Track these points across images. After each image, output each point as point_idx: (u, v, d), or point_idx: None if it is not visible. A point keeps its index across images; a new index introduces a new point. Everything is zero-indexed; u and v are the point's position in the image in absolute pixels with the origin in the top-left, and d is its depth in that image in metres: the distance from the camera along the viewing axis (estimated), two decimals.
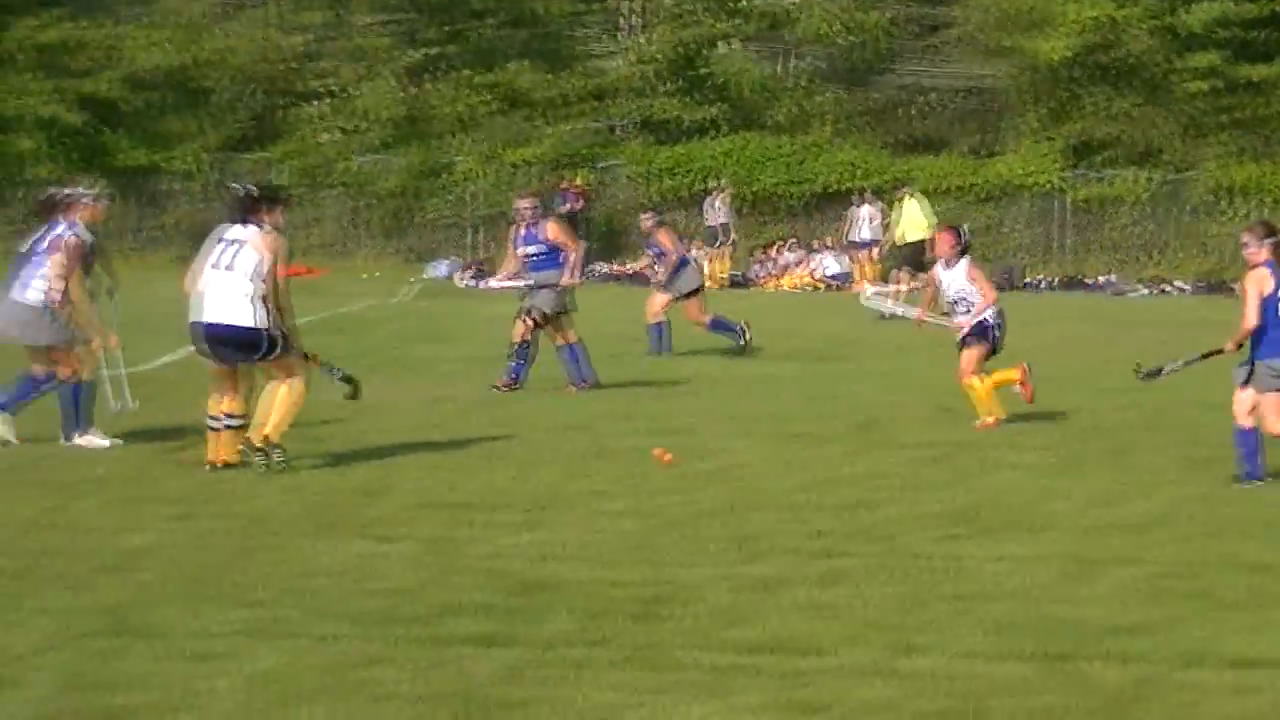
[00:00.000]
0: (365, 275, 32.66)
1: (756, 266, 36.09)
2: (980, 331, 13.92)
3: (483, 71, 39.12)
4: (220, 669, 6.15)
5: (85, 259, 11.62)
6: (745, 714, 5.80)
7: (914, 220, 30.86)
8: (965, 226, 15.77)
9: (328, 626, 6.80)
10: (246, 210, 10.91)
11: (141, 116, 36.68)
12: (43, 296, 11.54)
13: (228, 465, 10.61)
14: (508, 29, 40.60)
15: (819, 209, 38.40)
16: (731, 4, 41.92)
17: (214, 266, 10.64)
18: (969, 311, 14.11)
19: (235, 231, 10.73)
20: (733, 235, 34.16)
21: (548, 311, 15.86)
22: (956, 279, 14.27)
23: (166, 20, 37.85)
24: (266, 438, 10.54)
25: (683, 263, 19.83)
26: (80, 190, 12.08)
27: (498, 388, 15.43)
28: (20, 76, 34.93)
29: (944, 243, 14.64)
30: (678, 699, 5.90)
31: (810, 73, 43.12)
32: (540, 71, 39.54)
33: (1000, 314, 14.19)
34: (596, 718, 5.72)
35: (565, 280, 16.06)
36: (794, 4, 42.29)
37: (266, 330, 10.41)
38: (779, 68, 43.45)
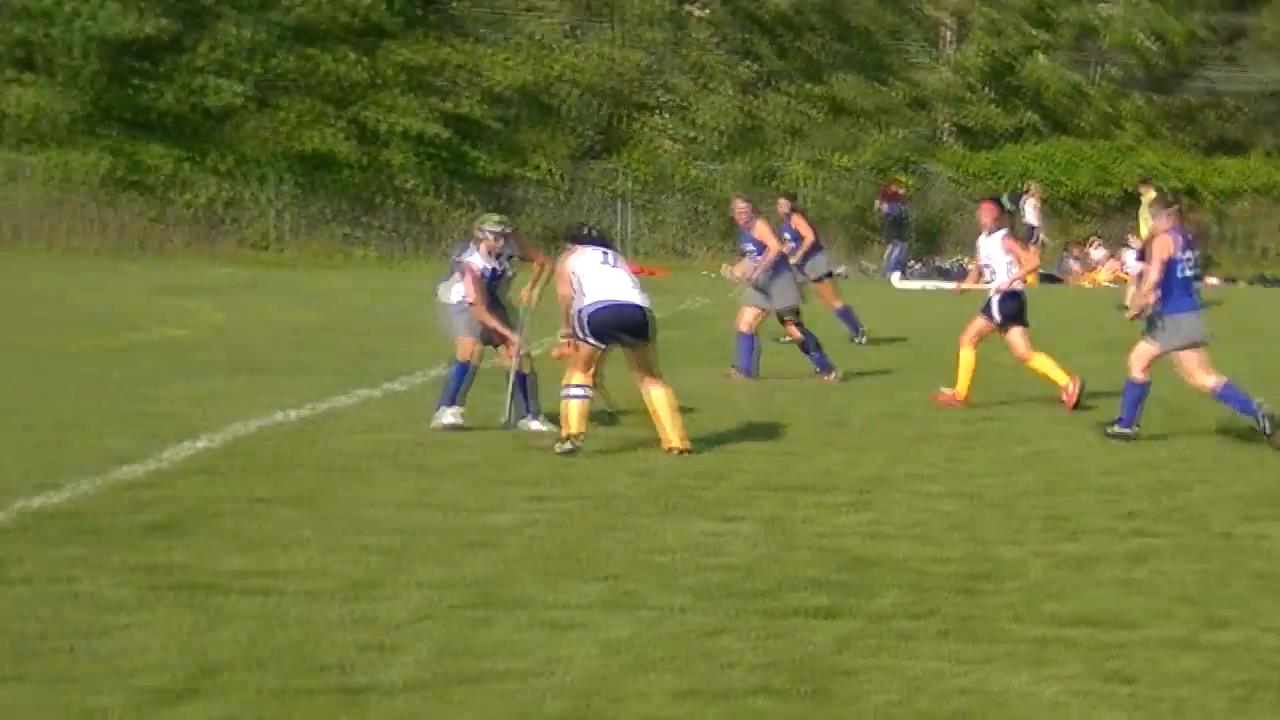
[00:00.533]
0: (704, 273, 33.36)
1: (1071, 262, 37.30)
2: (999, 303, 14.52)
3: (811, 84, 41.97)
4: (577, 638, 6.59)
5: (485, 282, 12.67)
6: (1062, 683, 6.05)
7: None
8: (1004, 198, 17.01)
9: (675, 599, 7.22)
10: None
11: (499, 130, 38.14)
12: (456, 300, 12.87)
13: (582, 436, 11.25)
14: (834, 44, 43.55)
15: (1125, 209, 38.96)
16: (1043, 16, 45.05)
17: (603, 264, 11.74)
18: (993, 279, 14.74)
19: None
20: (1041, 236, 34.69)
21: (796, 304, 16.88)
22: (991, 247, 14.96)
23: (520, 41, 39.62)
24: (683, 439, 11.37)
25: (816, 248, 20.07)
26: (485, 226, 12.93)
27: (826, 379, 16.08)
28: (391, 94, 36.47)
29: (986, 214, 15.45)
30: (999, 669, 6.21)
31: (1117, 79, 46.07)
32: (864, 83, 42.47)
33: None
34: (923, 685, 6.00)
35: (738, 273, 17.95)
36: (1103, 15, 45.52)
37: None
38: (1088, 75, 45.83)
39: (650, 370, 11.47)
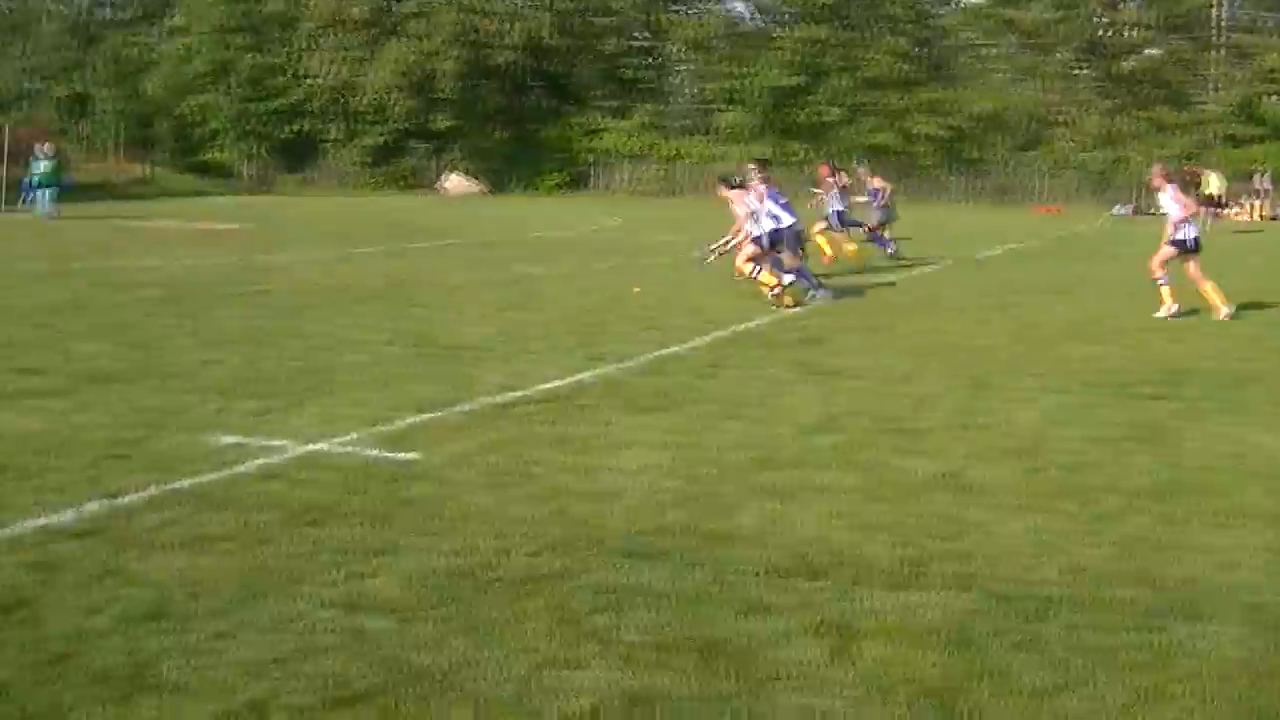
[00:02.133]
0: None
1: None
2: (1179, 239, 21.39)
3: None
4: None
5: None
6: None
7: None
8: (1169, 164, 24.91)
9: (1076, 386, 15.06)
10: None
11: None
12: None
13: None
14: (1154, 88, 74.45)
15: None
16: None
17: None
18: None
19: None
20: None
21: None
22: (1165, 200, 21.70)
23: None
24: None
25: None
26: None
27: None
28: None
29: (1156, 176, 22.16)
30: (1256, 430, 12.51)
31: None
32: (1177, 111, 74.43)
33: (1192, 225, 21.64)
34: (1212, 443, 11.78)
35: None
36: None
37: None
38: None
39: None
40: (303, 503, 9.39)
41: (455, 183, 77.96)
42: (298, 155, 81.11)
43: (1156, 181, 21.95)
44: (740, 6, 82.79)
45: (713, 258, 24.42)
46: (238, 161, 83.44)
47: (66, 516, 8.97)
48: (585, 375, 14.91)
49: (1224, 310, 20.70)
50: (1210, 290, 21.12)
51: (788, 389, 14.43)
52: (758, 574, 8.12)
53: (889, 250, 31.83)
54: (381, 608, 7.41)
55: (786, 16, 78.72)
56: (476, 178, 77.58)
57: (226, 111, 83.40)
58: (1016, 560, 8.47)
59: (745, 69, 75.56)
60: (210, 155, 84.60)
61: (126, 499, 9.40)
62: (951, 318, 20.80)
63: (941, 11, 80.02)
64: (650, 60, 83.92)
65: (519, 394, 13.68)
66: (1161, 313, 20.93)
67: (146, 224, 43.67)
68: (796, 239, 22.55)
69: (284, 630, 7.05)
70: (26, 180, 49.41)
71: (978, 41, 79.07)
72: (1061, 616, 7.42)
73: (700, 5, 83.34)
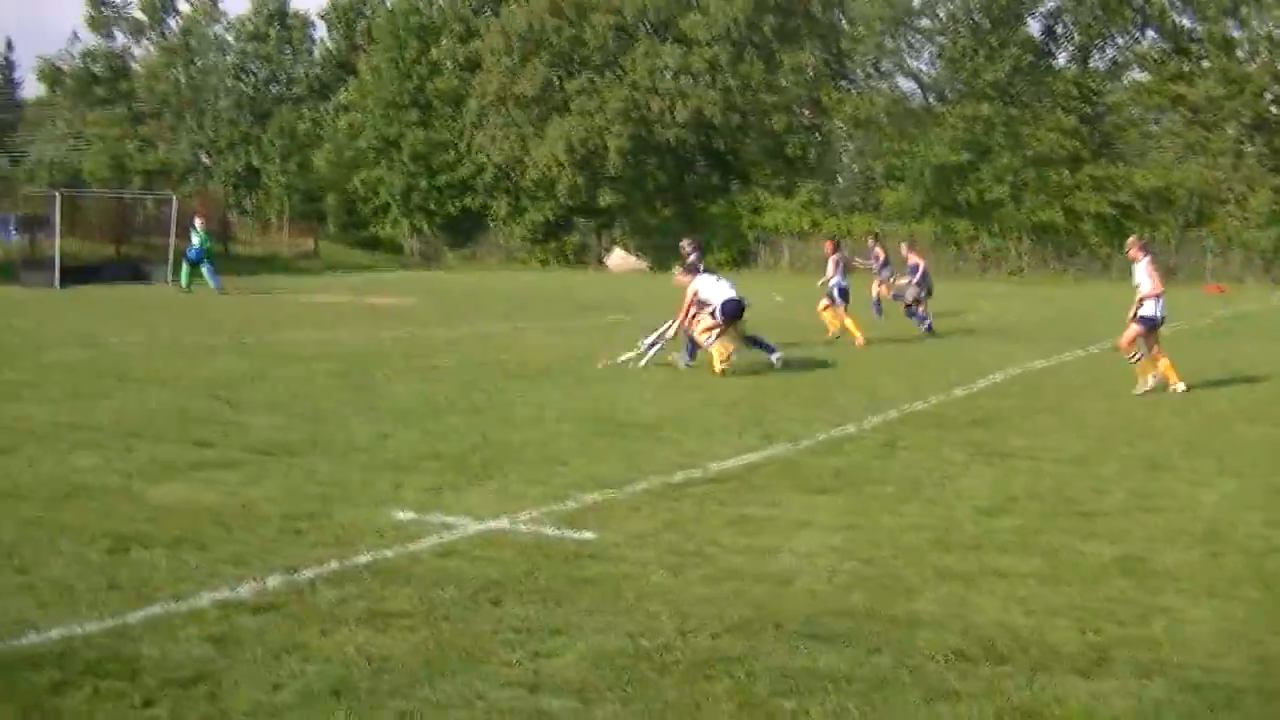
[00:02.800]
0: None
1: None
2: (1147, 316, 20.93)
3: None
4: None
5: None
6: None
7: None
8: (1144, 238, 23.00)
9: None
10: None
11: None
12: None
13: None
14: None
15: None
16: None
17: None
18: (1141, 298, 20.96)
19: None
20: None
21: None
22: (1138, 273, 21.19)
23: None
24: None
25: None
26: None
27: None
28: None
29: (1131, 247, 21.53)
30: None
31: None
32: None
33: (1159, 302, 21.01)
34: None
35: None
36: None
37: None
38: None
39: None
40: (482, 580, 9.41)
41: (620, 259, 78.41)
42: (464, 230, 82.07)
43: (1133, 253, 21.40)
44: (906, 83, 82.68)
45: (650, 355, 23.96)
46: (405, 236, 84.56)
47: (245, 590, 9.05)
48: (759, 454, 14.85)
49: (1140, 390, 20.70)
50: (1166, 367, 21.09)
51: (962, 470, 14.29)
52: (941, 659, 8.01)
53: (924, 326, 32.04)
54: (563, 688, 7.39)
55: (952, 94, 78.43)
56: (641, 254, 77.92)
57: (394, 186, 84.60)
58: (1202, 648, 8.28)
59: (910, 146, 75.45)
60: (378, 230, 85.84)
61: (306, 573, 9.49)
62: (1123, 398, 20.43)
63: (1109, 87, 79.25)
64: (815, 137, 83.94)
65: (694, 473, 13.63)
66: (1139, 389, 20.84)
67: (316, 298, 44.32)
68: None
69: (466, 709, 7.05)
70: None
71: (1144, 118, 78.19)
72: (1250, 708, 7.25)
73: (865, 82, 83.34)
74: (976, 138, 73.15)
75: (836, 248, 30.83)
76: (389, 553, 10.13)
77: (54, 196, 57.77)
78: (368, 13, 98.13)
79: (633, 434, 16.15)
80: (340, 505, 11.75)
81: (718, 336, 22.56)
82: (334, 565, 9.72)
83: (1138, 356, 20.94)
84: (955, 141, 73.05)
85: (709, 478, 13.47)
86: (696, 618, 8.67)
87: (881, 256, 35.02)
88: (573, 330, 31.17)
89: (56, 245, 53.54)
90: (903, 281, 33.36)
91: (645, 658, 7.93)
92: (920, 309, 32.51)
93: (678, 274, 24.49)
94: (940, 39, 77.96)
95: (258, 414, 17.17)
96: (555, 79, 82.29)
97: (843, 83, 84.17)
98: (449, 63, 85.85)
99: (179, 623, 8.42)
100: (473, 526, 11.05)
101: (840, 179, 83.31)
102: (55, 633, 8.20)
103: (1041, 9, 77.58)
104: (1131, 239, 21.93)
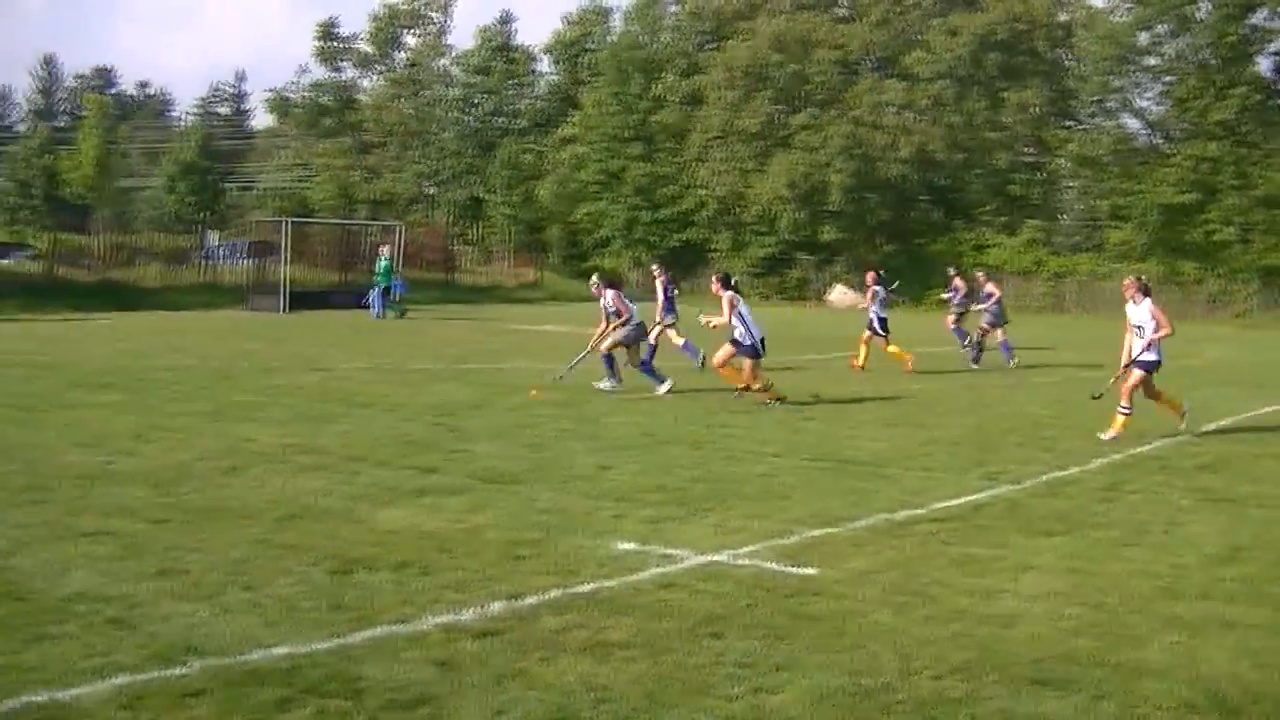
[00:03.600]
0: None
1: None
2: (1147, 360, 19.72)
3: None
4: None
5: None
6: None
7: None
8: (1144, 276, 20.75)
9: None
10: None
11: None
12: None
13: None
14: None
15: None
16: None
17: None
18: (1142, 338, 19.65)
19: None
20: None
21: None
22: (1140, 313, 19.75)
23: None
24: None
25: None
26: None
27: None
28: None
29: (1128, 288, 20.05)
30: None
31: None
32: None
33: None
34: None
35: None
36: None
37: None
38: None
39: None
40: (702, 613, 9.40)
41: (841, 295, 78.11)
42: (685, 264, 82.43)
43: (1130, 293, 20.02)
44: (1132, 122, 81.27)
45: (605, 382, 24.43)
46: (626, 268, 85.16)
47: (468, 615, 9.14)
48: (982, 495, 14.63)
49: (1108, 435, 19.33)
50: (1120, 424, 19.54)
51: (1190, 516, 13.87)
52: (1169, 709, 7.82)
53: (1009, 360, 32.29)
54: None
55: (1179, 133, 76.96)
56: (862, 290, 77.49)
57: (617, 219, 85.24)
58: None
59: (1136, 185, 74.14)
60: (599, 262, 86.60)
61: (528, 601, 9.57)
62: None
63: None
64: (1039, 175, 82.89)
65: (916, 511, 13.49)
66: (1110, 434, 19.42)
67: (538, 328, 44.76)
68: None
69: None
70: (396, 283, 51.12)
71: None
72: None
73: (1091, 121, 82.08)
74: (1204, 178, 71.63)
75: (878, 279, 30.86)
76: (610, 583, 10.18)
77: (283, 224, 59.17)
78: (591, 46, 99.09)
79: (854, 470, 16.03)
80: (562, 534, 11.84)
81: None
82: (556, 593, 9.79)
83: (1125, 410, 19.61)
84: (1182, 182, 71.61)
85: (932, 516, 13.32)
86: (919, 658, 8.57)
87: (961, 289, 34.92)
88: (795, 366, 31.05)
89: (284, 271, 54.84)
90: (979, 307, 33.61)
91: (867, 697, 7.85)
92: (992, 337, 32.84)
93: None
94: (1167, 78, 76.49)
95: (480, 441, 17.40)
96: (778, 114, 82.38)
97: (1067, 121, 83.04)
98: (672, 97, 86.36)
99: (402, 645, 8.54)
100: (693, 559, 11.06)
101: (1064, 218, 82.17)
102: (281, 650, 8.37)
103: (1271, 47, 75.82)
104: (1128, 280, 20.80)
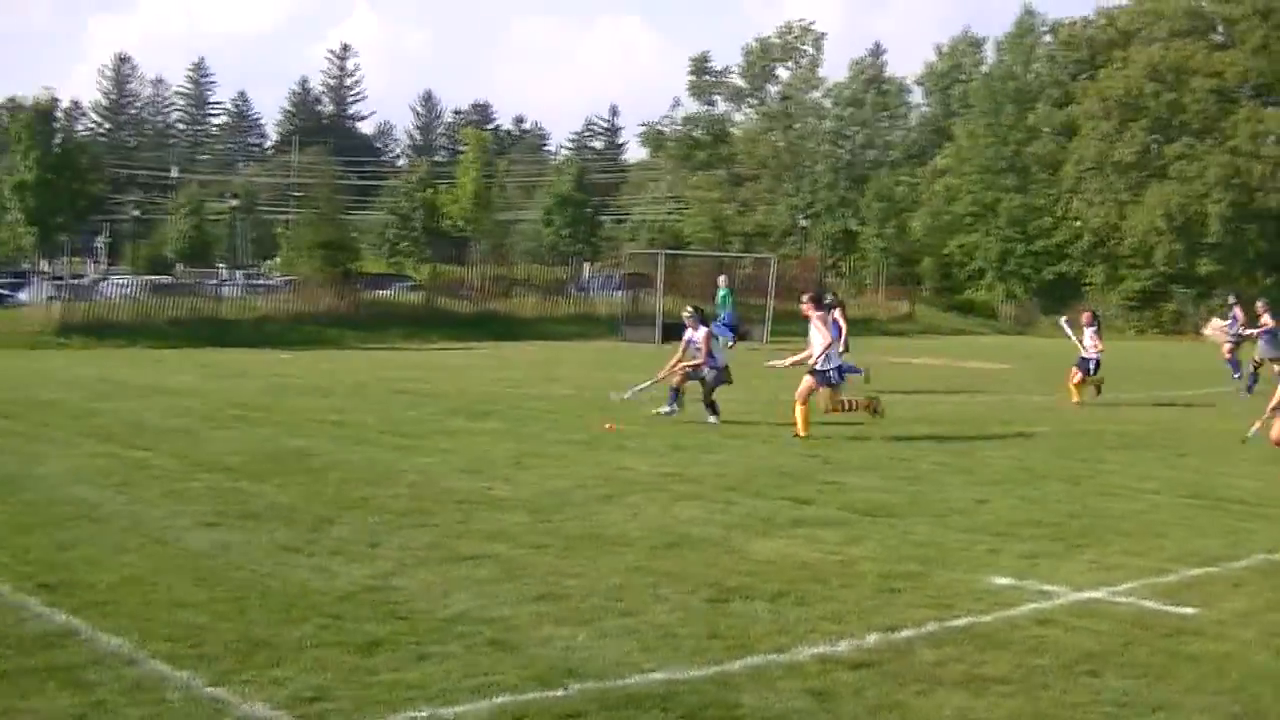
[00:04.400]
0: None
1: None
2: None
3: None
4: None
5: None
6: None
7: None
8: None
9: None
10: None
11: None
12: None
13: None
14: None
15: None
16: None
17: None
18: None
19: None
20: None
21: None
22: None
23: None
24: None
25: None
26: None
27: None
28: None
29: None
30: None
31: None
32: None
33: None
34: None
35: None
36: None
37: None
38: None
39: None
40: (1078, 650, 9.21)
41: (1217, 328, 75.92)
42: (1058, 297, 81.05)
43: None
44: None
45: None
46: (999, 301, 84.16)
47: (844, 646, 9.14)
48: None
49: None
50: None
51: None
52: None
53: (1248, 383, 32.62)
54: None
55: None
56: None
57: (990, 251, 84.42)
58: None
59: None
60: (972, 294, 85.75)
61: (904, 633, 9.52)
62: None
63: None
64: None
65: None
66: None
67: (911, 361, 44.55)
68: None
69: None
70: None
71: None
72: None
73: None
74: None
75: (1094, 319, 29.50)
76: (986, 617, 10.04)
77: (657, 256, 60.06)
78: (963, 77, 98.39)
79: (1233, 509, 15.45)
80: (938, 567, 11.74)
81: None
82: (932, 626, 9.71)
83: None
84: None
85: None
86: None
87: (1241, 318, 33.92)
88: (1172, 402, 30.30)
89: (659, 303, 55.65)
90: (1247, 331, 34.07)
91: None
92: (1268, 369, 32.51)
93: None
94: None
95: (853, 474, 17.40)
96: (1153, 144, 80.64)
97: None
98: (1045, 127, 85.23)
99: (778, 674, 8.57)
100: (1070, 595, 10.84)
101: None
102: (659, 676, 8.49)
103: None
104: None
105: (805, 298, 22.44)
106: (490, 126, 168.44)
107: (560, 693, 8.14)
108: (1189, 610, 10.48)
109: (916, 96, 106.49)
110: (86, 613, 9.78)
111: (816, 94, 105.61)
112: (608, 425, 22.14)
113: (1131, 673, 8.78)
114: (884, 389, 26.83)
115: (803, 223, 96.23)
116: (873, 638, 9.38)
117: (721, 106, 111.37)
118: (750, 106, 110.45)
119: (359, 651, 8.93)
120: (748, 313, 52.54)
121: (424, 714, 7.74)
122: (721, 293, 48.81)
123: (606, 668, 8.65)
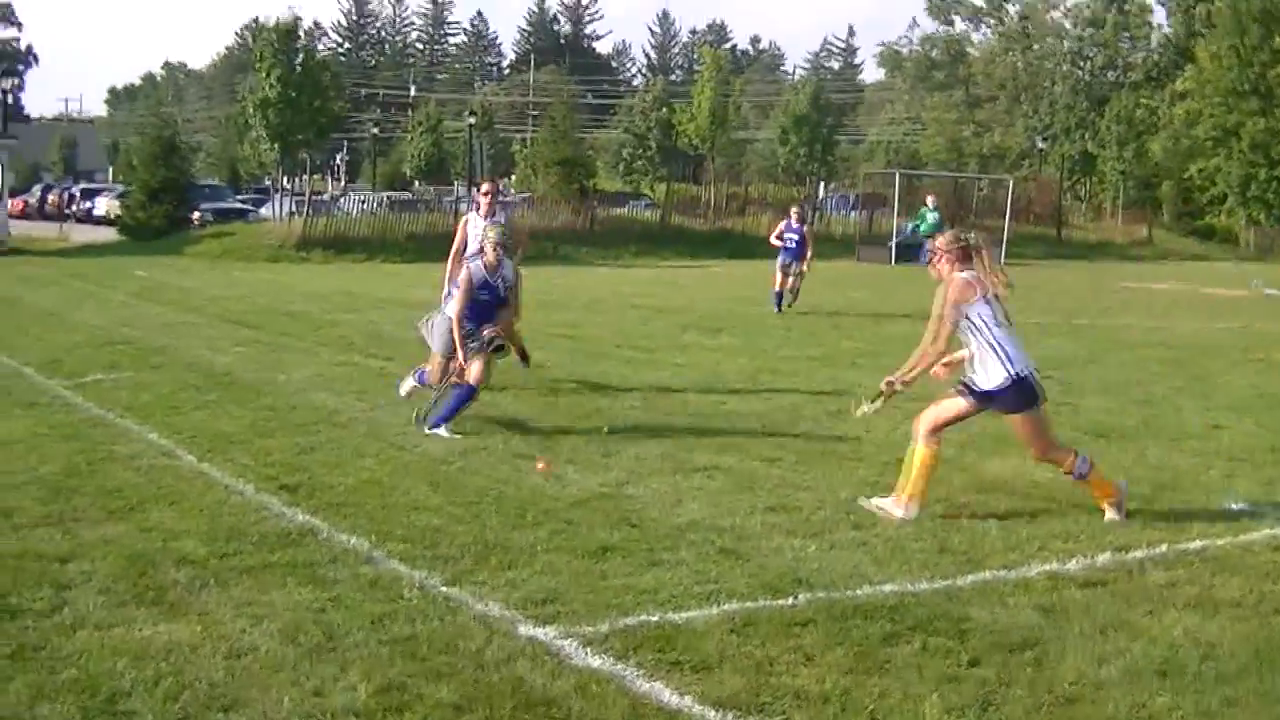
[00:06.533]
0: None
1: None
2: None
3: None
4: None
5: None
6: None
7: None
8: None
9: None
10: None
11: None
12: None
13: None
14: None
15: None
16: None
17: None
18: None
19: None
20: None
21: None
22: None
23: None
24: None
25: None
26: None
27: None
28: None
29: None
30: None
31: None
32: None
33: None
34: None
35: None
36: None
37: None
38: None
39: None
40: None
41: None
42: None
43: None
44: None
45: None
46: (1241, 227, 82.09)
47: (1074, 565, 9.10)
48: None
49: None
50: None
51: None
52: None
53: None
54: None
55: None
56: None
57: (1232, 176, 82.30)
58: None
59: None
60: (1213, 220, 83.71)
61: (1135, 554, 9.41)
62: None
63: None
64: None
65: None
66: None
67: (1150, 285, 43.75)
68: None
69: None
70: (910, 226, 50.34)
71: None
72: None
73: None
74: None
75: None
76: (1220, 541, 9.86)
77: (894, 176, 59.62)
78: None
79: None
80: (1170, 491, 11.57)
81: None
82: (1164, 548, 9.57)
83: None
84: None
85: None
86: None
87: None
88: None
89: (895, 223, 55.29)
90: None
91: None
92: None
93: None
94: None
95: (1089, 396, 17.18)
96: None
97: None
98: None
99: (1007, 590, 8.55)
100: None
101: None
102: (888, 588, 8.54)
103: None
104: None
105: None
106: (727, 46, 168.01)
107: (789, 601, 8.23)
108: None
109: (1158, 16, 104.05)
110: (325, 513, 10.16)
111: (1056, 14, 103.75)
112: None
113: None
114: (1123, 314, 26.42)
115: (1040, 145, 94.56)
116: (1104, 557, 9.30)
117: (960, 26, 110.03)
118: (988, 26, 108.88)
119: (591, 557, 9.12)
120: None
121: (654, 619, 7.87)
122: (923, 211, 48.13)
123: (836, 578, 8.72)
